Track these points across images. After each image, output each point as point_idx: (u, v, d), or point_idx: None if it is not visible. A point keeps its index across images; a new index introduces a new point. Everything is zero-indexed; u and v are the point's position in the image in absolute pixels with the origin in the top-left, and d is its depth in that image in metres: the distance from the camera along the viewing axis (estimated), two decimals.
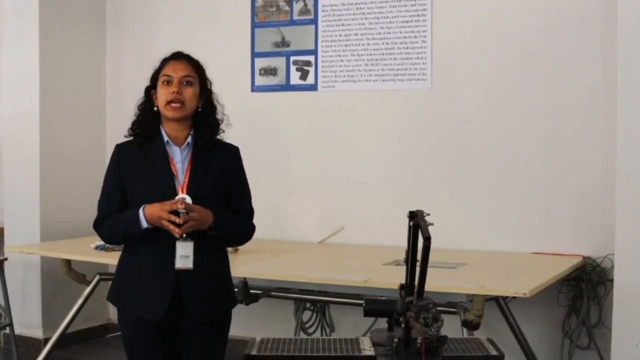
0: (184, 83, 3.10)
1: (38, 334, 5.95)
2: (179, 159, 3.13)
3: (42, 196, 5.92)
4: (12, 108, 6.03)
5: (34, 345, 5.90)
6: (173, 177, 3.09)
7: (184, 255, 3.03)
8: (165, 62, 3.17)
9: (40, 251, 5.55)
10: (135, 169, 3.12)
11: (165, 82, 3.10)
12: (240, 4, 5.86)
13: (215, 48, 5.86)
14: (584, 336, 4.85)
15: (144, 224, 3.02)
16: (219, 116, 3.22)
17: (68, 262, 5.24)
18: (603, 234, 4.68)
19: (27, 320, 5.96)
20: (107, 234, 3.18)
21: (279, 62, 5.75)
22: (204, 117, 3.17)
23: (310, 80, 5.65)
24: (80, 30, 6.24)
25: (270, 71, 5.78)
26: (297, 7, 5.68)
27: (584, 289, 4.78)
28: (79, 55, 6.22)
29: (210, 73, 5.55)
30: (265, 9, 5.78)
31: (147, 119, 3.14)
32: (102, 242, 5.07)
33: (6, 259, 5.54)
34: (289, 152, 5.75)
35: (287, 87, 5.74)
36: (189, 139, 3.15)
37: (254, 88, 5.85)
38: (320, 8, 5.59)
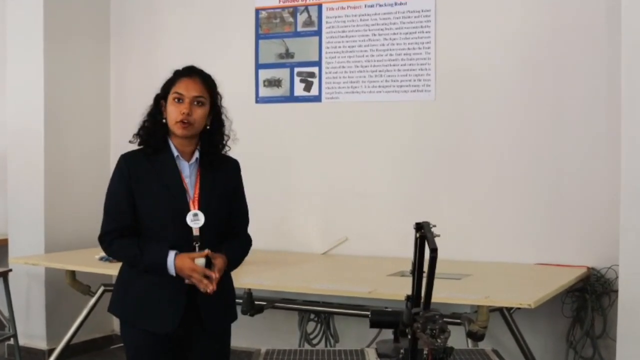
0: (195, 103, 3.09)
1: (42, 345, 5.95)
2: (187, 174, 3.12)
3: (46, 207, 5.94)
4: (17, 120, 6.05)
5: (38, 356, 5.91)
6: (185, 192, 3.09)
7: None
8: (178, 77, 3.14)
9: (44, 262, 5.55)
10: (146, 183, 3.09)
11: (176, 100, 3.09)
12: (244, 16, 5.88)
13: (220, 59, 5.86)
14: (589, 347, 4.84)
15: (172, 273, 3.01)
16: (226, 131, 3.21)
17: (72, 273, 5.24)
18: (607, 244, 4.68)
19: (31, 331, 5.96)
20: (121, 258, 3.16)
21: (283, 74, 5.77)
22: (212, 134, 3.16)
23: (314, 91, 5.67)
24: (85, 43, 6.26)
25: (274, 82, 5.79)
26: (301, 18, 5.70)
27: (589, 299, 4.78)
28: (83, 68, 6.25)
29: None
30: (269, 20, 5.80)
31: (157, 129, 3.13)
32: None
33: (10, 270, 5.55)
34: (293, 163, 5.76)
35: (291, 98, 5.75)
36: (197, 154, 3.15)
37: (258, 99, 5.86)
38: (324, 20, 5.61)
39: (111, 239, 3.10)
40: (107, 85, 6.46)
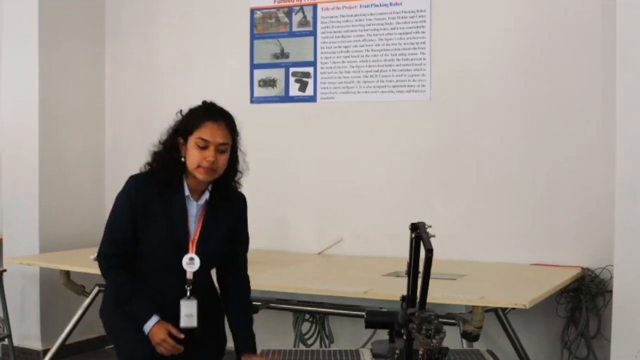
0: (220, 149, 3.01)
1: (37, 345, 5.93)
2: (194, 213, 3.10)
3: (41, 207, 5.92)
4: (11, 119, 6.03)
5: (33, 356, 5.89)
6: (187, 233, 3.08)
7: (188, 314, 3.06)
8: (202, 119, 3.03)
9: (39, 262, 5.55)
10: (152, 216, 3.05)
11: (200, 145, 2.99)
12: (239, 16, 5.88)
13: (215, 59, 5.87)
14: (583, 347, 4.85)
15: (145, 331, 3.03)
16: (240, 168, 3.15)
17: (67, 273, 5.24)
18: (602, 245, 4.68)
19: (26, 332, 5.95)
20: (111, 289, 3.18)
21: (278, 74, 5.76)
22: (226, 175, 3.11)
23: (309, 91, 5.66)
24: (80, 42, 6.24)
25: (269, 82, 5.79)
26: (296, 18, 5.70)
27: (583, 300, 4.79)
28: (78, 67, 6.23)
29: (209, 84, 5.55)
30: (264, 20, 5.80)
31: (174, 167, 3.05)
32: None
33: (5, 270, 5.54)
34: (288, 163, 5.76)
35: (286, 98, 5.75)
36: (207, 195, 3.11)
37: (253, 99, 5.86)
38: (319, 20, 5.61)
39: (109, 266, 3.10)
40: (102, 85, 6.44)
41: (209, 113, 3.06)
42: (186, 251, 3.05)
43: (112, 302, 3.18)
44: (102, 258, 3.11)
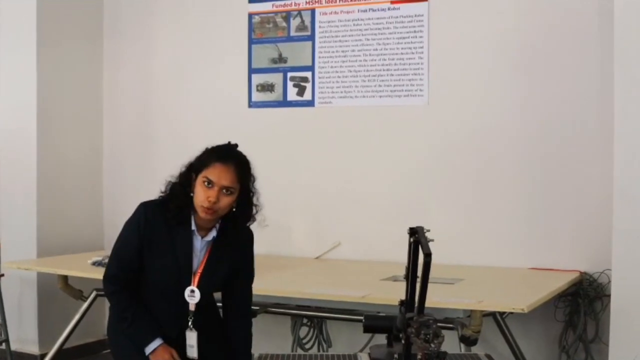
0: (224, 191, 3.04)
1: (34, 349, 5.92)
2: (199, 247, 3.14)
3: (39, 211, 5.91)
4: (9, 122, 6.02)
5: None
6: (191, 266, 3.13)
7: (191, 344, 3.15)
8: (213, 159, 3.07)
9: (36, 267, 5.53)
10: (157, 247, 3.10)
11: (205, 183, 3.03)
12: (237, 20, 5.88)
13: (213, 64, 5.87)
14: (581, 351, 4.85)
15: (146, 352, 3.09)
16: (253, 212, 3.21)
17: (65, 278, 5.23)
18: (600, 249, 4.68)
19: (24, 336, 5.93)
20: (113, 310, 3.24)
21: (276, 78, 5.77)
22: (236, 217, 3.15)
23: (307, 96, 5.66)
24: (78, 44, 6.24)
25: (267, 87, 5.79)
26: (294, 23, 5.70)
27: (581, 304, 4.79)
28: (76, 69, 6.22)
29: (207, 89, 5.53)
30: (262, 25, 5.80)
31: (184, 202, 3.10)
32: (99, 258, 5.08)
33: (2, 274, 5.53)
34: (286, 167, 5.75)
35: (284, 103, 5.75)
36: (214, 233, 3.15)
37: (251, 104, 5.86)
38: (317, 24, 5.62)
39: (115, 289, 3.15)
40: (99, 86, 6.43)
41: (221, 154, 3.10)
42: (188, 284, 3.11)
43: (116, 321, 3.23)
44: (108, 280, 3.17)
